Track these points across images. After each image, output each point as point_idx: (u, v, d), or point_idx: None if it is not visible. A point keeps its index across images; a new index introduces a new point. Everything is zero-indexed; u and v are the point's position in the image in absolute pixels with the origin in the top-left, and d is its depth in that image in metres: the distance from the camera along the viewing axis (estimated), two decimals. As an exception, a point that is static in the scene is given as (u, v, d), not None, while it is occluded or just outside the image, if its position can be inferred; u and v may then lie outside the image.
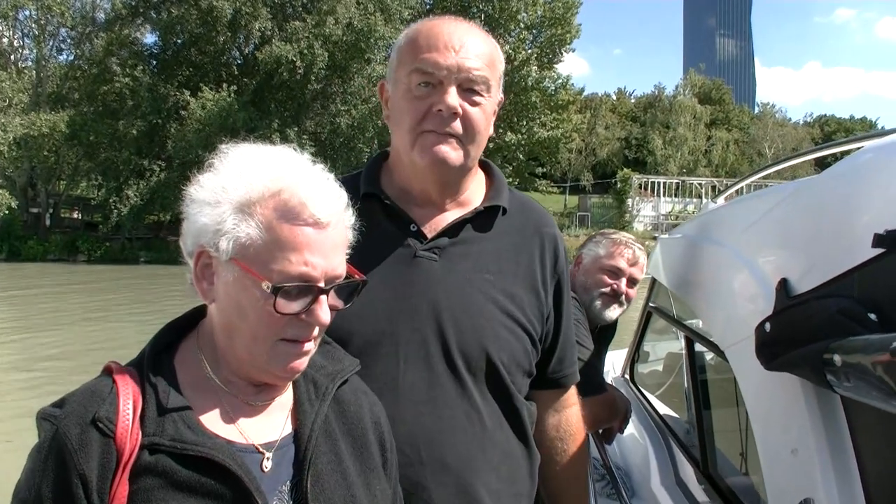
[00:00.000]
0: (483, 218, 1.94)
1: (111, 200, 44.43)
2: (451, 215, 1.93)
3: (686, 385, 3.19)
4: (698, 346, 3.03)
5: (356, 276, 1.42)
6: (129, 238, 45.90)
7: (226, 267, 1.33)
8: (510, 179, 49.71)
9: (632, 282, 3.12)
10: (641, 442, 3.47)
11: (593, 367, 2.76)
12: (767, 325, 1.61)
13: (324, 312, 1.35)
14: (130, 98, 44.76)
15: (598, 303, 3.03)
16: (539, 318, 1.94)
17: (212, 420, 1.38)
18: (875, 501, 1.45)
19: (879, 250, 1.32)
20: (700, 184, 58.09)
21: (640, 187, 57.47)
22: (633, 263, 3.11)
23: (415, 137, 1.84)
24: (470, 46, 1.82)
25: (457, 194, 1.95)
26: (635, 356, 4.31)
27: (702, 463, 2.75)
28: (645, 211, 56.47)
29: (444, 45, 1.81)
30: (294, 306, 1.32)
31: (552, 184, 74.67)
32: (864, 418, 1.50)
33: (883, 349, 1.17)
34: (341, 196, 1.41)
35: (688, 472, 2.99)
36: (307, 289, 1.32)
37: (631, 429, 3.45)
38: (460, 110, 1.81)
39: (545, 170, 63.46)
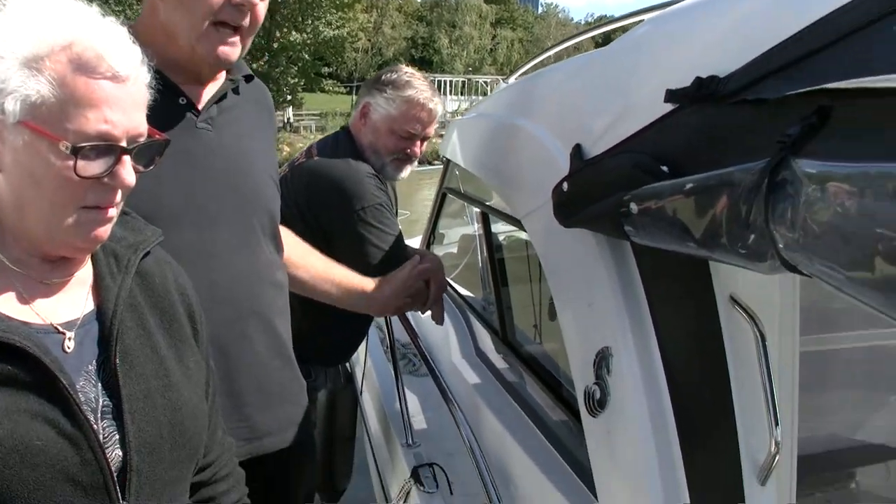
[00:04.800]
0: (235, 89, 2.03)
1: None
2: (211, 87, 1.98)
3: (482, 263, 3.28)
4: (494, 223, 3.10)
5: (157, 136, 1.35)
6: None
7: (13, 131, 1.19)
8: (296, 80, 48.59)
9: (424, 139, 2.92)
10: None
11: (396, 255, 2.69)
12: (565, 185, 1.66)
13: (128, 174, 1.25)
14: None
15: (389, 168, 2.85)
16: (276, 170, 2.14)
17: (4, 302, 1.25)
18: (667, 341, 1.56)
19: (671, 106, 1.38)
20: (486, 82, 58.93)
21: (427, 86, 57.63)
22: (429, 123, 2.89)
23: (205, 28, 1.83)
24: None
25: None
26: (431, 238, 4.36)
27: (500, 332, 2.86)
28: (433, 109, 56.57)
29: None
30: (95, 168, 1.21)
31: (339, 84, 73.83)
32: (654, 266, 1.59)
33: (676, 192, 1.23)
34: (137, 50, 1.31)
35: (487, 343, 3.10)
36: (108, 148, 1.22)
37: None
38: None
39: (331, 70, 62.50)
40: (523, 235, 2.59)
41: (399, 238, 2.65)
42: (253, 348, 1.94)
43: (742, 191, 1.04)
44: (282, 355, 2.05)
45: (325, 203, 2.60)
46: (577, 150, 1.74)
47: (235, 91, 2.01)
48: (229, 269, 1.88)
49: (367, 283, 2.47)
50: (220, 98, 1.96)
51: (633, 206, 1.35)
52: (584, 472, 1.85)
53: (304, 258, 2.37)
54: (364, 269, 2.56)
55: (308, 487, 2.27)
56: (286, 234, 2.28)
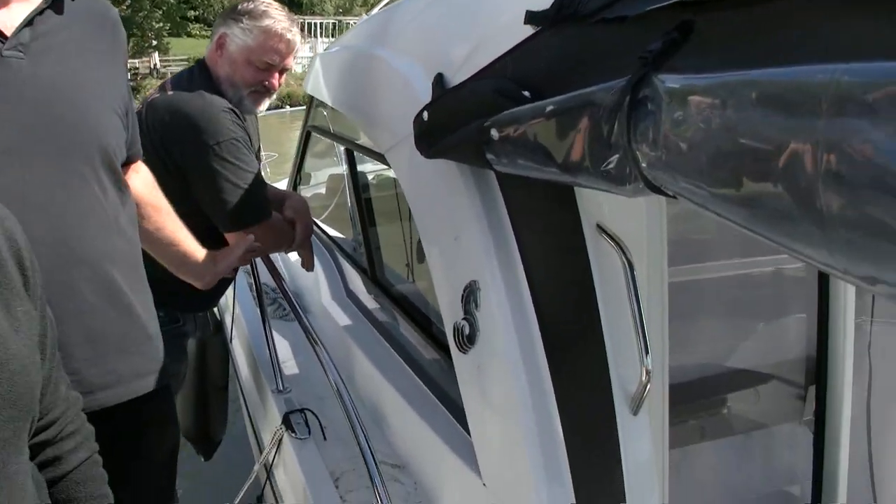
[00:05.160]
0: (55, 8, 1.80)
1: None
2: (20, 9, 1.75)
3: (350, 202, 3.20)
4: (363, 162, 3.02)
5: None
6: None
7: None
8: (161, 25, 46.78)
9: (283, 71, 2.74)
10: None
11: (255, 194, 2.57)
12: (425, 114, 1.59)
13: None
14: None
15: (247, 101, 2.66)
16: (122, 100, 1.91)
17: None
18: (534, 272, 1.53)
19: (532, 30, 1.33)
20: (356, 23, 58.12)
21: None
22: (287, 54, 2.71)
23: None
24: None
25: None
26: (297, 179, 4.24)
27: (370, 272, 2.80)
28: (302, 52, 55.37)
29: None
30: None
31: (206, 27, 71.51)
32: (519, 196, 1.55)
33: (537, 116, 1.18)
34: None
35: (357, 283, 3.04)
36: None
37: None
38: None
39: (197, 13, 60.46)
40: (391, 173, 2.52)
41: (258, 176, 2.51)
42: (81, 297, 1.77)
43: (603, 111, 0.99)
44: (119, 304, 1.87)
45: (179, 139, 2.44)
46: (439, 80, 1.68)
47: (58, 11, 1.79)
48: (47, 210, 1.69)
49: (201, 255, 2.34)
50: (31, 22, 1.73)
51: (494, 133, 1.30)
52: (457, 410, 1.82)
53: (156, 211, 2.17)
54: (221, 208, 2.43)
55: (170, 442, 2.14)
56: (145, 180, 2.13)
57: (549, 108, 1.15)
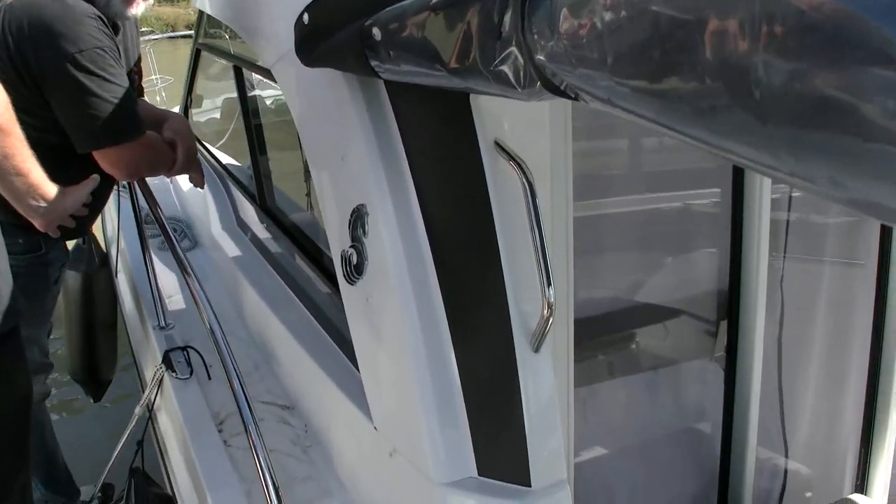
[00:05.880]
0: None
1: None
2: None
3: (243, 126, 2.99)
4: (264, 86, 2.83)
5: None
6: None
7: None
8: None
9: None
10: (202, 192, 3.24)
11: (124, 108, 2.30)
12: (306, 17, 1.42)
13: None
14: None
15: (116, 2, 2.37)
16: None
17: None
18: (427, 195, 1.38)
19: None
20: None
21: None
22: None
23: None
24: None
25: None
26: (188, 101, 3.96)
27: (259, 199, 2.61)
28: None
29: None
30: None
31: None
32: (411, 111, 1.39)
33: (422, 9, 1.02)
34: None
35: (248, 212, 2.85)
36: None
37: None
38: None
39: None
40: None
41: (128, 90, 2.25)
42: None
43: (495, -2, 0.84)
44: None
45: (36, 45, 2.16)
46: None
47: None
48: None
49: (50, 190, 2.10)
50: None
51: (377, 32, 1.14)
52: (349, 348, 1.68)
53: (5, 136, 1.93)
54: (84, 123, 2.18)
55: (18, 393, 1.90)
56: None
57: (435, -1, 0.99)
